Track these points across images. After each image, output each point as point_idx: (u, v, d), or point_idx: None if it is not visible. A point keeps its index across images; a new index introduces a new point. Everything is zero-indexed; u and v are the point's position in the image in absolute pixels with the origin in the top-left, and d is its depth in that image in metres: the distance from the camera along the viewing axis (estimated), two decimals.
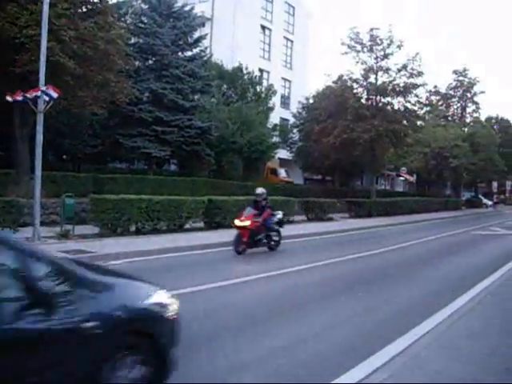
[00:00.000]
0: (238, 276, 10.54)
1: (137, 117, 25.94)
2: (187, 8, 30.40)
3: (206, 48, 31.90)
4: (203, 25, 41.54)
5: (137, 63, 27.34)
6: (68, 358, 3.82)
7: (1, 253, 3.73)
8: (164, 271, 10.76)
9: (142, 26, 28.06)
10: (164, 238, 15.19)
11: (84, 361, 3.89)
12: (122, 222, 15.35)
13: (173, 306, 4.75)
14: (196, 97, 29.97)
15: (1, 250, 3.76)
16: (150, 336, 4.43)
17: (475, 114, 70.59)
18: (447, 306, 8.41)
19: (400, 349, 6.14)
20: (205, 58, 31.25)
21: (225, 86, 36.91)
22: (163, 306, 4.66)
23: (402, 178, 70.29)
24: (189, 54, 29.94)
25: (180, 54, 29.26)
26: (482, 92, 68.91)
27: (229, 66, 38.38)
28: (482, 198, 69.82)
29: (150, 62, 28.39)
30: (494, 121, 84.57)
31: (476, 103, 69.34)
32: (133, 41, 27.64)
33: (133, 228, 15.91)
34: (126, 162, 31.52)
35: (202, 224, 18.54)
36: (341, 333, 7.08)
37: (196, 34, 30.89)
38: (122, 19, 28.29)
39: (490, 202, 67.90)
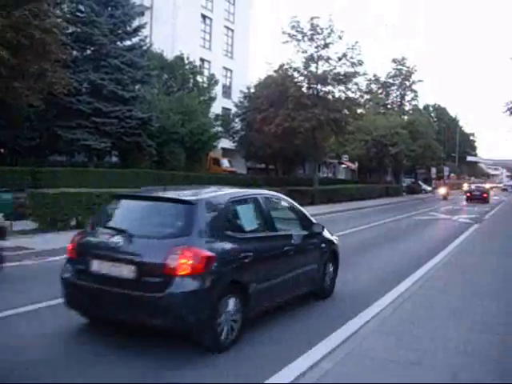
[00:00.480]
0: None
1: (75, 108, 25.39)
2: None
3: (145, 37, 31.34)
4: (142, 14, 40.81)
5: (74, 53, 26.75)
6: (316, 258, 8.24)
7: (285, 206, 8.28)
8: None
9: (79, 14, 27.36)
10: None
11: (321, 260, 8.41)
12: (62, 216, 15.06)
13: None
14: (136, 87, 29.56)
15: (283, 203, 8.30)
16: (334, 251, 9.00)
17: (414, 102, 72.46)
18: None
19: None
20: (144, 48, 30.75)
21: (165, 76, 36.54)
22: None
23: (343, 166, 71.45)
24: (128, 43, 29.41)
25: (119, 43, 28.70)
26: (420, 81, 70.69)
27: (169, 55, 38.02)
28: (422, 183, 71.71)
29: (89, 51, 27.79)
30: (431, 108, 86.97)
31: (414, 91, 71.07)
32: (70, 30, 26.98)
33: (73, 222, 15.62)
34: (66, 155, 30.77)
35: None
36: None
37: (135, 23, 30.36)
38: (59, 7, 27.58)
39: (429, 188, 69.78)
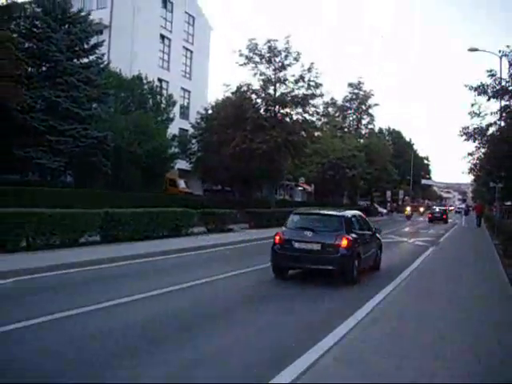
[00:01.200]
0: (133, 293, 10.15)
1: (29, 126, 24.75)
2: (83, 13, 29.51)
3: (103, 55, 30.93)
4: (101, 32, 40.52)
5: (29, 69, 26.17)
6: (375, 246, 14.88)
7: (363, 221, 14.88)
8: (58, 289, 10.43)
9: (35, 30, 26.85)
10: (57, 253, 14.41)
11: (376, 247, 15.13)
12: (12, 237, 14.45)
13: None
14: (93, 106, 29.09)
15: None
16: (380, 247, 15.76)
17: (370, 126, 73.56)
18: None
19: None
20: (102, 66, 30.36)
21: (123, 95, 36.10)
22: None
23: (300, 188, 71.70)
24: (85, 61, 29.00)
25: (76, 60, 28.28)
26: (376, 104, 72.06)
27: (127, 74, 37.61)
28: (377, 206, 72.57)
29: (44, 68, 27.24)
30: (386, 132, 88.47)
31: (371, 115, 72.28)
32: (26, 46, 26.42)
33: (24, 243, 15.01)
34: (19, 174, 29.87)
35: (98, 238, 17.81)
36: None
37: (93, 41, 29.99)
38: (14, 22, 27.01)
39: (384, 210, 70.58)
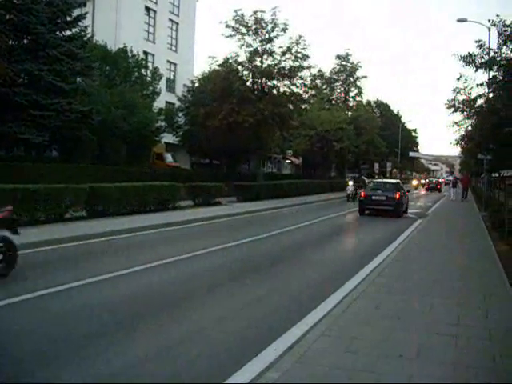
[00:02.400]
0: (126, 267, 10.03)
1: (11, 100, 24.28)
2: None
3: (86, 28, 30.21)
4: (84, 4, 39.67)
5: (10, 42, 25.60)
6: (406, 201, 26.49)
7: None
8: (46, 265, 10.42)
9: (15, 1, 26.16)
10: (42, 229, 14.25)
11: (406, 203, 26.55)
12: None
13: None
14: (77, 79, 28.63)
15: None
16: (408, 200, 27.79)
17: (358, 98, 73.21)
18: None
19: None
20: (85, 39, 29.75)
21: (108, 69, 35.58)
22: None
23: (288, 161, 71.65)
24: (68, 33, 28.41)
25: (58, 33, 27.67)
26: (364, 77, 71.71)
27: (112, 47, 37.04)
28: (365, 178, 72.50)
29: (26, 41, 26.65)
30: (374, 105, 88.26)
31: (358, 87, 71.92)
32: (7, 18, 25.78)
33: None
34: (3, 149, 29.45)
35: (84, 213, 17.64)
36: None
37: (76, 13, 29.33)
38: None
39: None
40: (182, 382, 4.96)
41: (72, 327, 6.48)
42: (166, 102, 47.28)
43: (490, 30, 21.86)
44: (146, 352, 5.64)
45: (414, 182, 75.49)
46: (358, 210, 25.05)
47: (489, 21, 15.95)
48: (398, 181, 24.96)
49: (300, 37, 36.92)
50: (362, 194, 25.12)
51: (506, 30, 15.39)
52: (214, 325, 6.78)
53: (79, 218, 16.92)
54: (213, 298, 8.32)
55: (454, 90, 22.03)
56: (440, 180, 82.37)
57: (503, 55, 15.98)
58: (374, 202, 24.35)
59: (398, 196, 23.88)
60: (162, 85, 43.62)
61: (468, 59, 16.46)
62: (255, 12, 36.14)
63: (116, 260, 11.14)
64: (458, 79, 20.68)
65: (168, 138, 43.82)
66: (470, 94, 21.55)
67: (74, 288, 8.33)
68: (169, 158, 43.84)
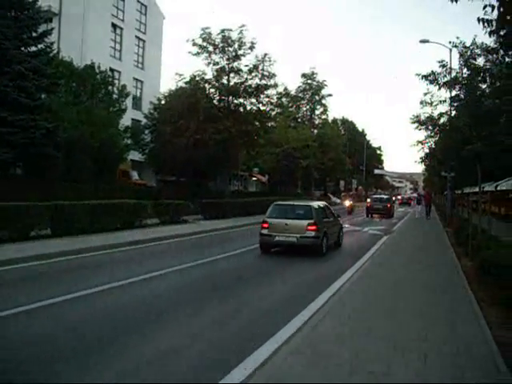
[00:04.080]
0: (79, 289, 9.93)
1: None
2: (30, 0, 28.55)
3: (52, 44, 29.94)
4: (50, 20, 39.52)
5: None
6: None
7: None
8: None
9: None
10: (5, 247, 14.03)
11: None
12: None
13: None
14: (43, 96, 28.32)
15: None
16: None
17: (323, 116, 74.02)
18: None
19: None
20: (51, 55, 29.48)
21: (74, 85, 35.32)
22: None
23: (254, 179, 71.80)
24: (33, 49, 28.14)
25: (23, 49, 27.39)
26: (330, 95, 72.62)
27: (79, 64, 36.81)
28: (331, 196, 73.11)
29: None
30: (339, 122, 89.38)
31: (324, 106, 72.73)
32: None
33: None
34: None
35: (49, 231, 17.41)
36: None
37: (41, 29, 29.09)
38: None
39: (338, 200, 71.21)
40: None
41: None
42: (132, 119, 47.10)
43: (451, 51, 22.41)
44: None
45: (347, 203, 48.74)
46: (366, 214, 37.01)
47: (450, 42, 16.44)
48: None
49: (265, 55, 37.41)
50: (368, 205, 40.95)
51: (466, 52, 15.89)
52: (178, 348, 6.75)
53: (44, 237, 16.70)
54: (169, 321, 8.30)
55: (421, 103, 22.50)
56: (391, 196, 61.49)
57: (464, 75, 16.47)
58: (375, 209, 40.25)
59: (389, 205, 40.58)
60: (128, 102, 43.46)
61: (431, 77, 16.90)
62: (222, 30, 36.50)
63: (70, 281, 10.95)
64: (426, 94, 21.20)
65: (134, 155, 43.59)
66: (434, 109, 22.07)
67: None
68: (135, 175, 43.61)
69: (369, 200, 44.84)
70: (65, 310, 8.61)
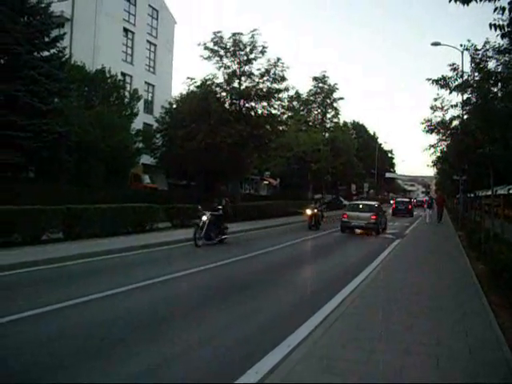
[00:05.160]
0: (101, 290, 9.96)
1: None
2: (43, 5, 28.73)
3: (64, 48, 30.13)
4: (62, 25, 39.75)
5: None
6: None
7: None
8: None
9: None
10: (19, 251, 14.10)
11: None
12: None
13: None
14: (55, 100, 28.49)
15: None
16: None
17: (335, 120, 73.73)
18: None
19: None
20: (63, 59, 29.68)
21: (86, 89, 35.53)
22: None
23: (265, 182, 71.75)
24: (46, 54, 28.34)
25: (36, 53, 27.59)
26: (341, 98, 72.18)
27: (91, 68, 37.04)
28: (343, 199, 72.82)
29: (2, 61, 26.51)
30: (351, 126, 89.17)
31: (336, 109, 72.39)
32: None
33: None
34: None
35: (61, 235, 17.48)
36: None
37: (54, 34, 29.28)
38: None
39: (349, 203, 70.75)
40: None
41: None
42: (144, 123, 47.26)
43: (462, 53, 22.25)
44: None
45: (308, 211, 33.49)
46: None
47: (461, 45, 16.32)
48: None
49: (278, 59, 37.31)
50: (393, 206, 47.52)
51: (477, 54, 15.79)
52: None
53: (56, 240, 16.77)
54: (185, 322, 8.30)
55: (431, 108, 22.34)
56: (412, 199, 73.77)
57: (476, 78, 16.35)
58: (400, 211, 47.84)
59: (410, 206, 50.07)
60: (139, 106, 43.65)
61: (442, 82, 16.80)
62: (234, 34, 36.49)
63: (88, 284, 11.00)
64: (436, 99, 21.05)
65: (145, 159, 43.73)
66: (446, 113, 21.89)
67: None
68: (146, 179, 43.71)
69: (392, 202, 57.99)
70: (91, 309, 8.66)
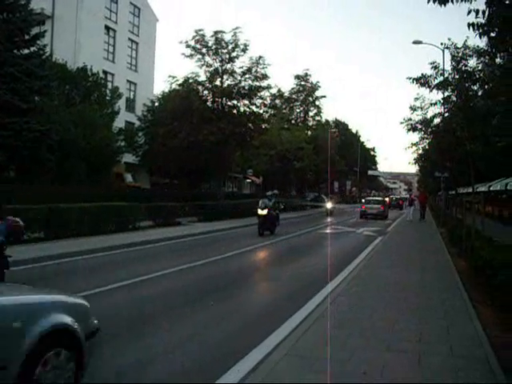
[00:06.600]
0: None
1: None
2: (23, 1, 28.41)
3: (45, 46, 29.81)
4: (43, 22, 39.49)
5: None
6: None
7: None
8: None
9: None
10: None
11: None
12: None
13: None
14: (36, 98, 28.22)
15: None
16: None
17: (317, 118, 74.01)
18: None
19: None
20: (43, 57, 29.38)
21: (67, 88, 35.24)
22: None
23: (248, 181, 71.73)
24: (26, 51, 28.04)
25: (16, 51, 27.28)
26: (323, 96, 72.61)
27: (72, 66, 36.75)
28: (324, 197, 72.82)
29: None
30: (333, 124, 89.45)
31: (318, 107, 72.75)
32: None
33: None
34: None
35: (42, 234, 17.32)
36: None
37: (34, 31, 28.98)
38: None
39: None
40: None
41: None
42: (126, 121, 47.01)
43: (443, 52, 22.38)
44: None
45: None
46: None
47: (441, 44, 16.45)
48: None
49: (260, 57, 37.29)
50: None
51: (458, 53, 15.91)
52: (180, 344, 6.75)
53: (37, 240, 16.63)
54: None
55: (411, 108, 22.43)
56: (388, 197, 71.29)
57: (456, 77, 16.46)
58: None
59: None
60: (121, 104, 43.40)
61: (422, 80, 16.88)
62: (216, 32, 36.39)
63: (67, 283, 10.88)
64: (416, 99, 21.13)
65: (128, 157, 43.51)
66: (426, 112, 21.98)
67: None
68: (129, 178, 43.52)
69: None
70: None
